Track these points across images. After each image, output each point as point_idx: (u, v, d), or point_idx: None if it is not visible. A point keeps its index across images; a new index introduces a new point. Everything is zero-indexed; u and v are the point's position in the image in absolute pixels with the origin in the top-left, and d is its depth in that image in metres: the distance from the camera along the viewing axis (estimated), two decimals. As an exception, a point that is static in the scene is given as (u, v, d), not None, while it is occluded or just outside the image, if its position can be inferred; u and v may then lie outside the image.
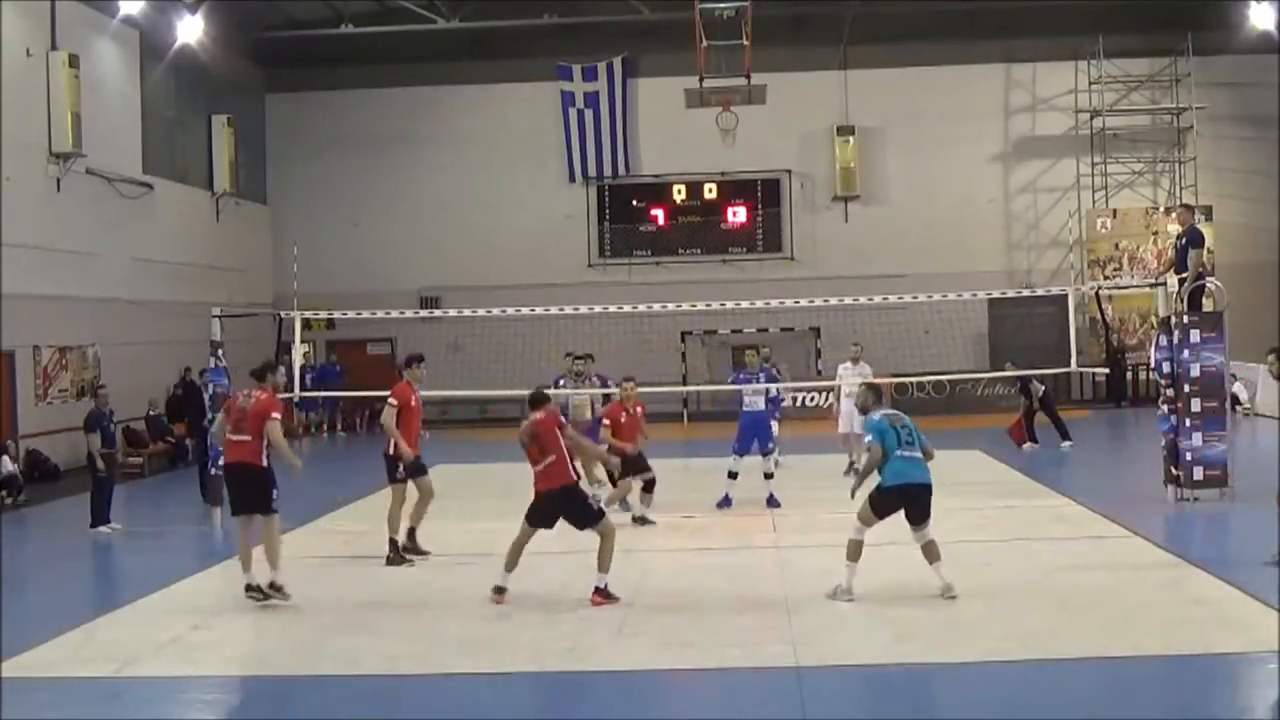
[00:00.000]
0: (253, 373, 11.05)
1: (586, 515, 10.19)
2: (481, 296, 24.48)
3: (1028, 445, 20.16)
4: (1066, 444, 20.04)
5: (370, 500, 16.27)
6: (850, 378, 16.93)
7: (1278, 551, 10.63)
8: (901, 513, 10.08)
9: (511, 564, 10.29)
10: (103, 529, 14.48)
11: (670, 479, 16.74)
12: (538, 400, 10.51)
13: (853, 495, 10.30)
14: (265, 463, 10.69)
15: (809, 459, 18.91)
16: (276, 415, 10.65)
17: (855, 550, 10.06)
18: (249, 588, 10.39)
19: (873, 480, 10.24)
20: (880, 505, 10.11)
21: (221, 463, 11.27)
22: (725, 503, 14.92)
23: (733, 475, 14.95)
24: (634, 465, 13.97)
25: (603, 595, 10.00)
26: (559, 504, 10.15)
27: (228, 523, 14.51)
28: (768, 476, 14.99)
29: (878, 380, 15.04)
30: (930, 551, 10.11)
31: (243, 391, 11.11)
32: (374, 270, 29.17)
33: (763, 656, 8.53)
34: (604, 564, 10.03)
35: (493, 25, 27.87)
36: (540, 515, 10.25)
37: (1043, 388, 20.58)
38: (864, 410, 10.94)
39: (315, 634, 9.60)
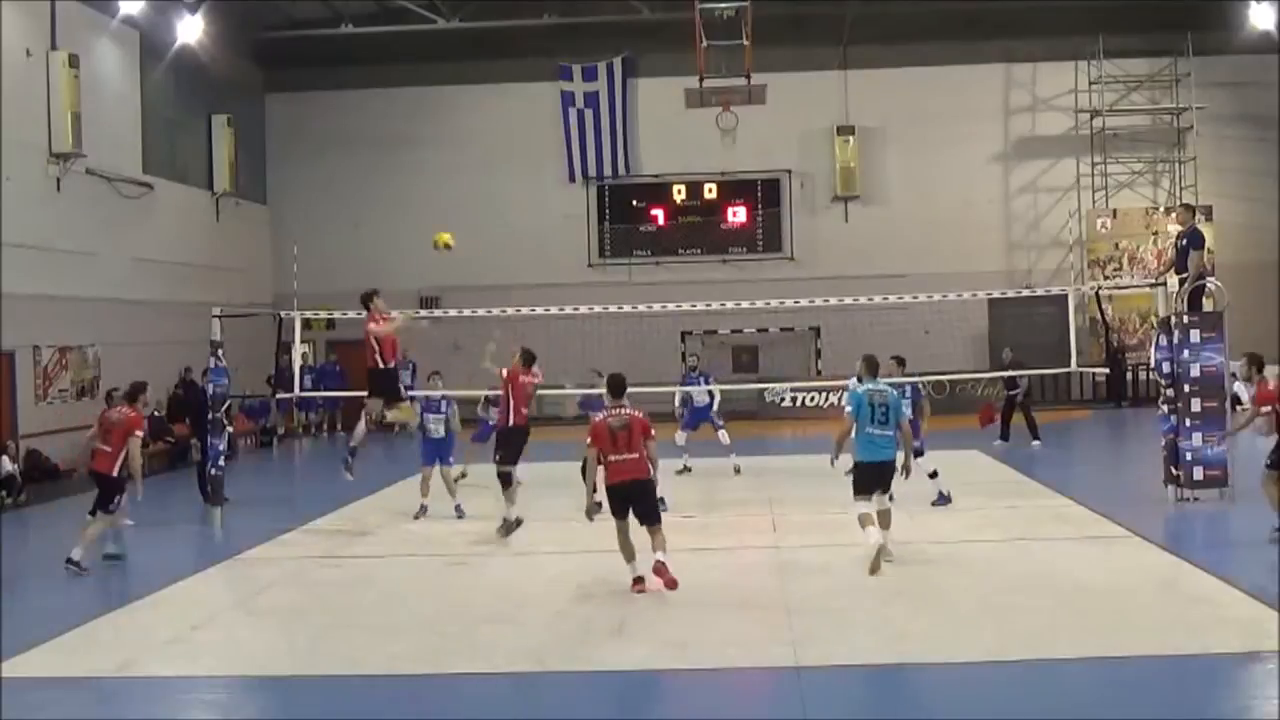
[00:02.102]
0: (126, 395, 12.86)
1: (654, 513, 10.55)
2: (481, 296, 24.45)
3: (998, 442, 20.20)
4: (1036, 443, 20.24)
5: (370, 500, 16.29)
6: None
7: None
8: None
9: (629, 554, 10.56)
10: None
11: (670, 479, 16.76)
12: (623, 389, 10.88)
13: (832, 463, 11.26)
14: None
15: (810, 459, 18.88)
16: (139, 433, 12.27)
17: (865, 520, 11.10)
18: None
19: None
20: (859, 480, 11.21)
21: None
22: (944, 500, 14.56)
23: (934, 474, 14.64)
24: None
25: (665, 568, 10.29)
26: (633, 490, 10.44)
27: (228, 522, 14.63)
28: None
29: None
30: (884, 519, 11.22)
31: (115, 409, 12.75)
32: (374, 270, 29.02)
33: (763, 656, 8.53)
34: (660, 545, 10.42)
35: (493, 25, 27.86)
36: (620, 507, 10.54)
37: (1025, 384, 20.66)
38: (859, 379, 11.75)
39: (315, 634, 9.59)
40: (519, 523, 12.96)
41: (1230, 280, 18.69)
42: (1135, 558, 11.45)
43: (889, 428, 11.08)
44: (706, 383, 18.39)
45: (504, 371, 13.29)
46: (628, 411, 10.63)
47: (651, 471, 10.57)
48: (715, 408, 18.23)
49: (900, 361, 15.76)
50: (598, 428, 10.52)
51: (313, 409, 27.10)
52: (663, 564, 10.31)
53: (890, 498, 11.51)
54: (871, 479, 11.13)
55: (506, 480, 12.96)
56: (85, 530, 12.22)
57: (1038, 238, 29.82)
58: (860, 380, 11.57)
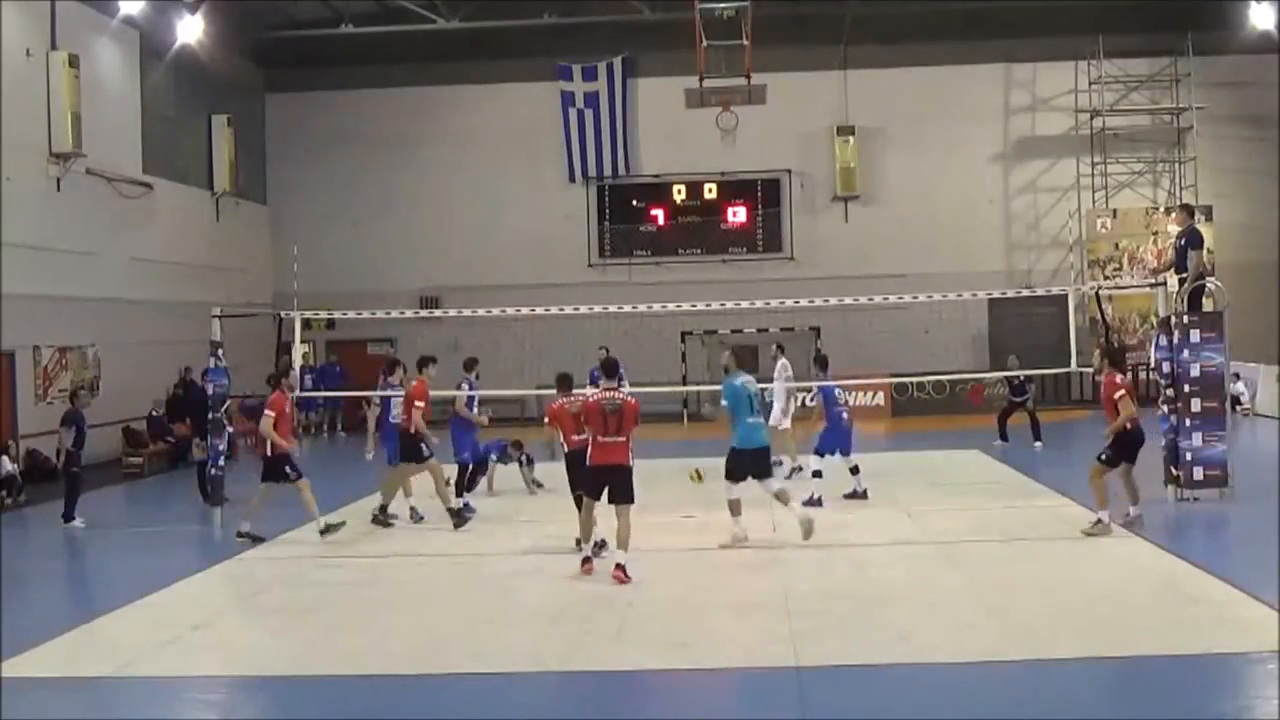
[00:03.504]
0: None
1: (628, 494, 10.93)
2: (481, 296, 24.48)
3: (998, 443, 20.18)
4: (1038, 444, 20.19)
5: (371, 501, 16.26)
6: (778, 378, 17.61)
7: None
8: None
9: (588, 534, 11.16)
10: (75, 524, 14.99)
11: (670, 479, 16.76)
12: (616, 370, 11.42)
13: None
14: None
15: (810, 459, 18.89)
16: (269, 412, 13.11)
17: (735, 507, 12.17)
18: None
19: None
20: (736, 467, 12.09)
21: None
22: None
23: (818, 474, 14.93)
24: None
25: (623, 571, 10.67)
26: (613, 476, 10.88)
27: (228, 522, 14.62)
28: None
29: (872, 382, 15.06)
30: (782, 497, 12.12)
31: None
32: (374, 270, 29.18)
33: (763, 656, 8.52)
34: (624, 543, 10.81)
35: (493, 25, 27.86)
36: (596, 487, 10.99)
37: (1032, 390, 20.66)
38: (726, 371, 12.63)
39: (315, 634, 9.60)
40: (601, 544, 11.78)
41: (1230, 280, 18.70)
42: (1135, 558, 11.45)
43: (759, 415, 12.35)
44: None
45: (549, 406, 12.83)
46: (620, 396, 11.06)
47: (631, 457, 11.15)
48: None
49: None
50: (591, 407, 10.95)
51: (313, 409, 27.08)
52: (621, 568, 10.68)
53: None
54: (748, 465, 12.08)
55: (577, 503, 12.14)
56: (303, 497, 13.31)
57: (1038, 238, 29.83)
58: (727, 372, 12.54)
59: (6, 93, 19.50)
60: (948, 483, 16.54)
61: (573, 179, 30.05)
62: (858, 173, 29.49)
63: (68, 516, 15.03)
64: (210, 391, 15.42)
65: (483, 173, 29.67)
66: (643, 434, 16.24)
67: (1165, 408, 14.41)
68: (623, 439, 10.93)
